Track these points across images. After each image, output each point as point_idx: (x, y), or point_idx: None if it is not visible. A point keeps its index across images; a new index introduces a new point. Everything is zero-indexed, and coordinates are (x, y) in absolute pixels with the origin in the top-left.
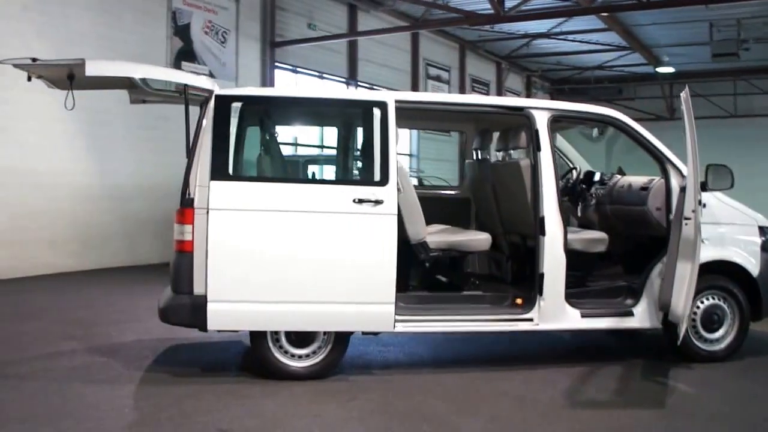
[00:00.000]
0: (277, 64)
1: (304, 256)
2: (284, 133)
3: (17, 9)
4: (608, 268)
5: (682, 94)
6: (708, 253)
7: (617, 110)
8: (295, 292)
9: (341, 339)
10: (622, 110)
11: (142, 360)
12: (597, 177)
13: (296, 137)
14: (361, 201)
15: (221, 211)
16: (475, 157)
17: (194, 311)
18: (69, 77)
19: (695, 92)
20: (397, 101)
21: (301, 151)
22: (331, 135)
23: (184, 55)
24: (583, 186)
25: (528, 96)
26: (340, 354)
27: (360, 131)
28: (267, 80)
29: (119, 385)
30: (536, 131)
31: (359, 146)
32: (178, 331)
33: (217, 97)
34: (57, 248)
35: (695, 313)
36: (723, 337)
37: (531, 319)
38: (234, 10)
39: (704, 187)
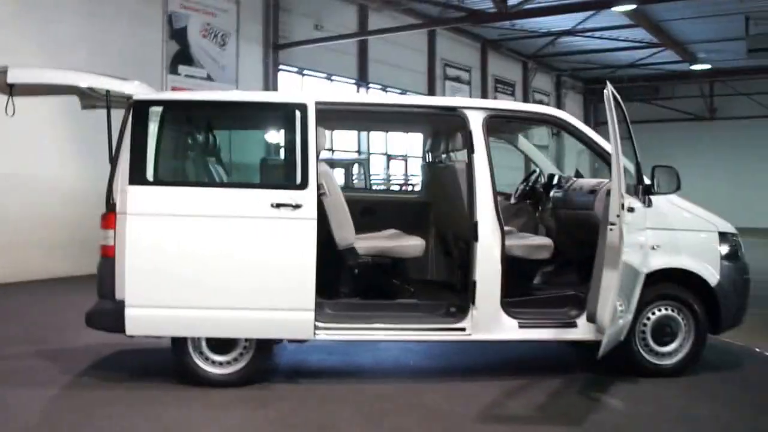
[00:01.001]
0: (281, 66)
1: (222, 261)
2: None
3: (6, 14)
4: (561, 276)
5: (605, 92)
6: (659, 260)
7: (653, 110)
8: (214, 298)
9: (264, 346)
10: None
11: (81, 364)
12: (556, 180)
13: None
14: (279, 205)
15: (139, 216)
16: (426, 161)
17: (115, 316)
18: (9, 84)
19: (736, 90)
20: (318, 103)
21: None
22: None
23: (181, 58)
24: (542, 189)
25: (558, 96)
26: (262, 361)
27: (281, 134)
28: (270, 83)
29: (44, 388)
30: (470, 132)
31: (281, 149)
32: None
33: (135, 102)
34: (52, 253)
35: (645, 325)
36: (676, 350)
37: (463, 329)
38: (234, 13)
39: (649, 190)
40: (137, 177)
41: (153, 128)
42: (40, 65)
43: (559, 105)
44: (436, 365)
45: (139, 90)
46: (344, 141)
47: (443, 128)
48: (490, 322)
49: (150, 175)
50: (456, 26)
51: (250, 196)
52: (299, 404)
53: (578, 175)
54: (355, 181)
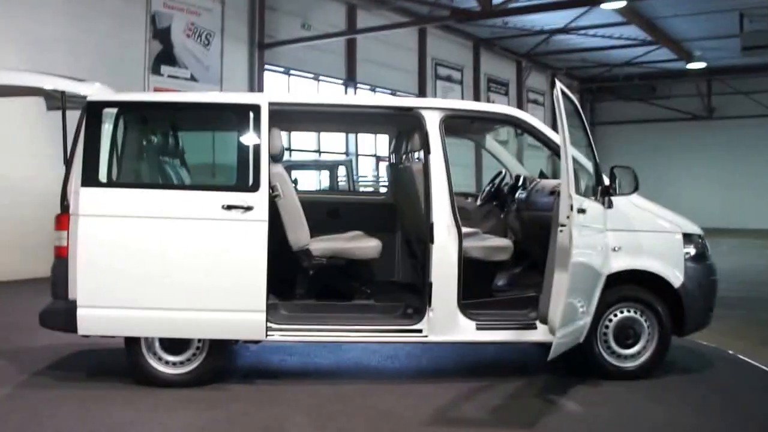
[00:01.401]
0: (267, 66)
1: (174, 262)
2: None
3: None
4: (524, 278)
5: (555, 90)
6: (621, 262)
7: (650, 109)
8: (165, 299)
9: (217, 347)
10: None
11: (39, 364)
12: (521, 181)
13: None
14: (230, 207)
15: (90, 217)
16: (390, 161)
17: (68, 316)
18: None
19: (734, 89)
20: (272, 104)
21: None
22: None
23: (164, 58)
24: (507, 191)
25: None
26: (216, 362)
27: (235, 135)
28: (255, 83)
29: None
30: (426, 133)
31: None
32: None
33: (89, 103)
34: (25, 254)
35: (607, 327)
36: (640, 353)
37: (420, 331)
38: (219, 12)
39: (608, 191)
40: (89, 178)
41: (107, 130)
42: (20, 65)
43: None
44: (396, 366)
45: (95, 91)
46: (332, 142)
47: (405, 129)
48: (446, 323)
49: (102, 176)
50: (447, 25)
51: (202, 197)
52: (250, 405)
53: (542, 175)
54: (341, 183)
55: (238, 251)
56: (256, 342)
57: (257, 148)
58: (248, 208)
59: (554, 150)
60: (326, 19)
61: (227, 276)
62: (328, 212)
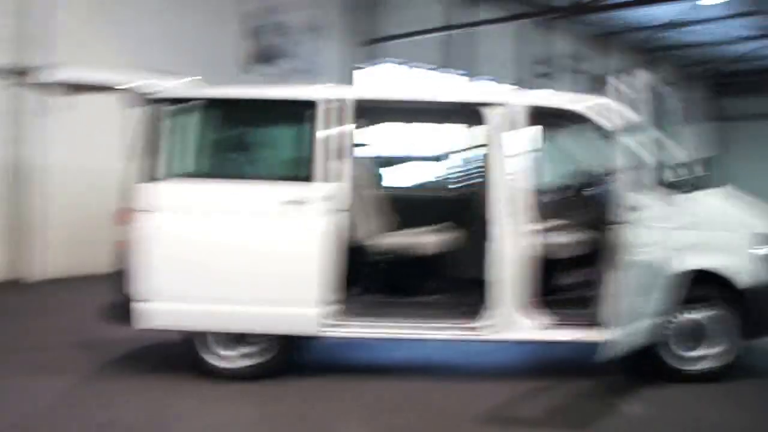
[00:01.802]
0: (366, 61)
1: (234, 256)
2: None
3: (82, 16)
4: (595, 276)
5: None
6: (690, 261)
7: None
8: (222, 293)
9: (279, 342)
10: None
11: (113, 355)
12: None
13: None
14: (290, 202)
15: (149, 213)
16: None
17: (129, 310)
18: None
19: None
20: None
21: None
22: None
23: (257, 57)
24: (582, 186)
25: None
26: (277, 357)
27: (302, 130)
28: (350, 78)
29: (65, 377)
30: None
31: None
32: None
33: (154, 99)
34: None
35: (672, 329)
36: (705, 356)
37: (479, 329)
38: (314, 9)
39: (675, 186)
40: (150, 174)
41: (170, 125)
42: (119, 62)
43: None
44: (463, 364)
45: (166, 87)
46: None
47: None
48: (507, 321)
49: (162, 171)
50: (548, 21)
51: (263, 191)
52: (307, 400)
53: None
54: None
55: (294, 245)
56: (316, 337)
57: (325, 142)
58: (308, 202)
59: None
60: (427, 15)
61: (290, 270)
62: (411, 207)
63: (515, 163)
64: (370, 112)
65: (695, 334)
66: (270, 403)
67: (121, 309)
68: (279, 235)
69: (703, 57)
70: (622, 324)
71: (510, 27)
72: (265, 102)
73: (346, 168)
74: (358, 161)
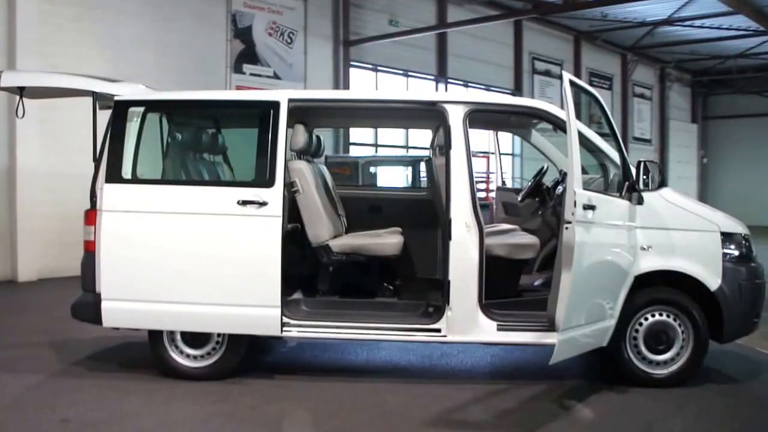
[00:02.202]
0: (353, 63)
1: (191, 257)
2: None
3: (69, 17)
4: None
5: (563, 81)
6: (651, 262)
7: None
8: (184, 293)
9: (236, 341)
10: None
11: (82, 354)
12: (561, 176)
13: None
14: (245, 203)
15: (113, 213)
16: (430, 157)
17: (94, 308)
18: (19, 88)
19: None
20: (291, 100)
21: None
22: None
23: (246, 57)
24: (549, 186)
25: (662, 89)
26: (236, 356)
27: (254, 132)
28: (340, 80)
29: (32, 375)
30: (449, 127)
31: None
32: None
33: (116, 102)
34: None
35: (637, 331)
36: (673, 359)
37: (438, 330)
38: (302, 10)
39: (633, 186)
40: (113, 175)
41: (132, 128)
42: (102, 66)
43: (662, 98)
44: (423, 365)
45: (126, 91)
46: (422, 137)
47: (437, 124)
48: (465, 323)
49: (125, 173)
50: (545, 18)
51: (219, 193)
52: (260, 400)
53: (584, 171)
54: (423, 180)
55: (253, 246)
56: (276, 338)
57: (274, 145)
58: (263, 204)
59: (584, 144)
60: (415, 15)
61: (242, 271)
62: (370, 208)
63: (470, 164)
64: (316, 114)
65: (662, 337)
66: (221, 402)
67: (89, 308)
68: (237, 238)
69: (693, 54)
70: (569, 326)
71: (503, 26)
72: (214, 105)
73: (296, 169)
74: (325, 162)
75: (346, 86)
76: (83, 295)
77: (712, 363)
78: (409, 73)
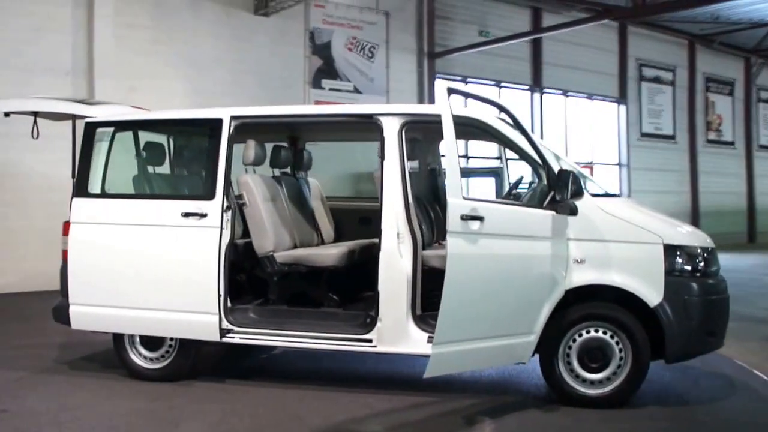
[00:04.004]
0: (439, 75)
1: (142, 265)
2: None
3: (146, 42)
4: None
5: (438, 92)
6: (584, 275)
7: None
8: (139, 299)
9: (187, 346)
10: None
11: (71, 355)
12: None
13: None
14: (188, 215)
15: (79, 224)
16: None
17: (67, 312)
18: (33, 112)
19: None
20: (234, 117)
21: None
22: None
23: (325, 72)
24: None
25: None
26: (187, 360)
27: (201, 148)
28: (424, 92)
29: (17, 372)
30: (383, 139)
31: (196, 162)
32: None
33: (86, 124)
34: None
35: (570, 348)
36: (609, 378)
37: (370, 341)
38: (383, 24)
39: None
40: (81, 189)
41: (100, 147)
42: (181, 86)
43: None
44: (372, 374)
45: (104, 113)
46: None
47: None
48: (396, 334)
49: (91, 188)
50: (653, 22)
51: (167, 206)
52: (192, 401)
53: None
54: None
55: (194, 256)
56: (215, 343)
57: (215, 159)
58: (203, 215)
59: (524, 156)
60: (507, 25)
61: (185, 279)
62: (360, 219)
63: (405, 175)
64: (264, 130)
65: (597, 355)
66: (154, 401)
67: (63, 312)
68: (180, 247)
69: None
70: (446, 340)
71: (605, 32)
72: (169, 124)
73: (243, 182)
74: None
75: (431, 98)
76: (60, 300)
77: (679, 382)
78: (502, 84)
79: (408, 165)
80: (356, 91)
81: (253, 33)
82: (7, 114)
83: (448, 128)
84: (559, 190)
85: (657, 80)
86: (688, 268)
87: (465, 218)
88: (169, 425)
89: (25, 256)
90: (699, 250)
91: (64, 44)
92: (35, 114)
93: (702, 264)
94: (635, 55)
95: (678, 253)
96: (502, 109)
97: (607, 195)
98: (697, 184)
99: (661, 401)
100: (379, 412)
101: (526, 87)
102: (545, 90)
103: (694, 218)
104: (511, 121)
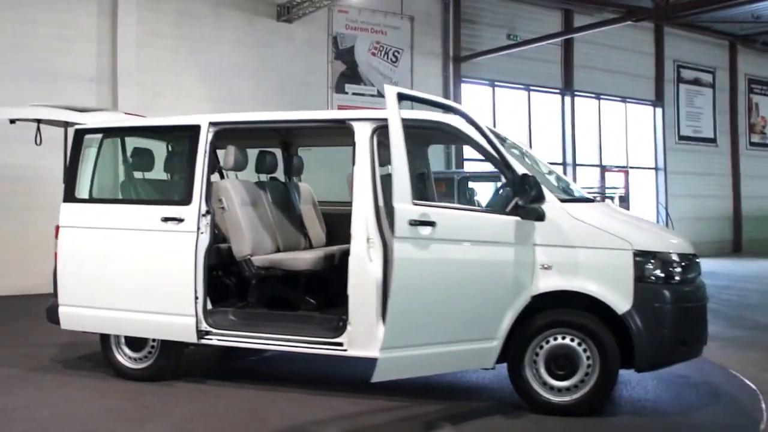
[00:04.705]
0: (465, 79)
1: (124, 268)
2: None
3: (168, 50)
4: None
5: (387, 95)
6: (550, 281)
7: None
8: (122, 301)
9: (168, 347)
10: None
11: (68, 355)
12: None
13: None
14: (166, 219)
15: (67, 228)
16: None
17: (57, 312)
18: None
19: None
20: (213, 123)
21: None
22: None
23: (348, 77)
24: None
25: None
26: (169, 360)
27: (180, 154)
28: (450, 96)
29: (11, 369)
30: (354, 144)
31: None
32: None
33: (75, 131)
34: None
35: (537, 354)
36: (577, 386)
37: (341, 344)
38: (408, 29)
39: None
40: (69, 194)
41: (88, 153)
42: (204, 92)
43: None
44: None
45: (89, 120)
46: (549, 150)
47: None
48: (366, 338)
49: (78, 193)
50: (692, 23)
51: (148, 211)
52: (158, 400)
53: None
54: None
55: (172, 259)
56: (193, 344)
57: (192, 165)
58: (180, 220)
59: (492, 160)
60: (537, 27)
61: (164, 282)
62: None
63: (375, 180)
64: (242, 136)
65: (563, 362)
66: (125, 400)
67: (54, 312)
68: (160, 251)
69: None
70: (395, 345)
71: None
72: (150, 130)
73: (222, 187)
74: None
75: (457, 102)
76: (53, 300)
77: (663, 392)
78: (531, 88)
79: (378, 170)
80: (380, 95)
81: (276, 39)
82: (12, 121)
83: (395, 133)
84: (520, 195)
85: (696, 82)
86: (661, 274)
87: (414, 223)
88: (135, 423)
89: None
90: (674, 257)
91: (90, 53)
92: (38, 121)
93: (678, 271)
94: (672, 57)
95: (649, 259)
96: (459, 113)
97: (579, 200)
98: (740, 188)
99: (637, 411)
100: (343, 415)
101: (557, 90)
102: (577, 93)
103: (736, 223)
104: (471, 126)
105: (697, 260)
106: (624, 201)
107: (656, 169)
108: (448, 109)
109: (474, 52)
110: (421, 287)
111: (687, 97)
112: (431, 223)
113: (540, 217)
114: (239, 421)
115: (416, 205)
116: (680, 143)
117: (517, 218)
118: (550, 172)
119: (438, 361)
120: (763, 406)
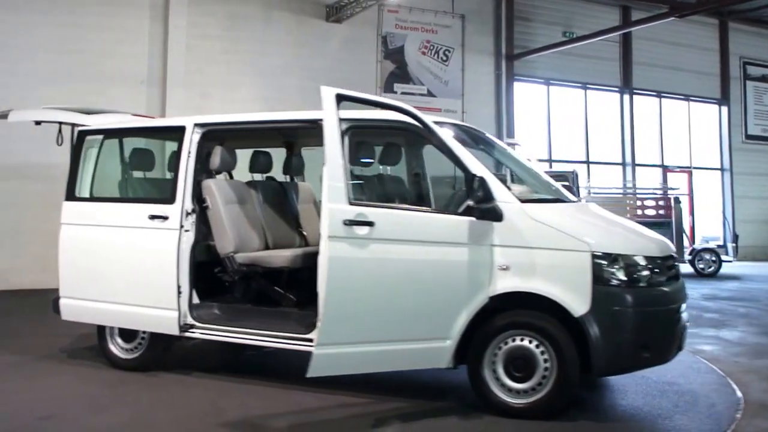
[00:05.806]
0: (519, 77)
1: (116, 263)
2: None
3: (217, 52)
4: None
5: (325, 99)
6: (507, 282)
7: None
8: (114, 294)
9: (156, 339)
10: None
11: (76, 345)
12: None
13: None
14: (153, 217)
15: (67, 225)
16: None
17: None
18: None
19: None
20: (198, 125)
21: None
22: None
23: (397, 77)
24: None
25: None
26: (157, 351)
27: (169, 153)
28: (502, 94)
29: (20, 356)
30: (325, 144)
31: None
32: None
33: (78, 132)
34: None
35: (495, 356)
36: (534, 389)
37: (311, 340)
38: (459, 28)
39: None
40: (70, 193)
41: (89, 153)
42: (252, 92)
43: None
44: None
45: (91, 122)
46: (607, 150)
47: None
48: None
49: (79, 192)
50: (760, 18)
51: (137, 209)
52: (133, 389)
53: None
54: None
55: (157, 255)
56: (178, 337)
57: (177, 164)
58: (165, 218)
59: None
60: (594, 25)
61: (149, 276)
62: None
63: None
64: (229, 136)
65: (520, 364)
66: (105, 387)
67: (57, 303)
68: (146, 248)
69: None
70: (329, 342)
71: (703, 29)
72: (144, 131)
73: (206, 186)
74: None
75: (509, 101)
76: (57, 292)
77: (640, 398)
78: (588, 86)
79: (349, 168)
80: (430, 94)
81: (325, 40)
82: (38, 123)
83: (329, 133)
84: (469, 196)
85: (764, 79)
86: (623, 277)
87: (349, 223)
88: (99, 409)
89: None
90: (639, 259)
91: (141, 55)
92: (59, 123)
93: (643, 274)
94: (738, 53)
95: (610, 261)
96: (404, 112)
97: (547, 201)
98: None
99: (599, 416)
100: (302, 410)
101: (615, 89)
102: (636, 91)
103: None
104: (419, 124)
105: (672, 263)
106: (678, 203)
107: (722, 169)
108: (392, 108)
109: (527, 49)
110: (359, 286)
111: (755, 95)
112: (369, 223)
113: (497, 217)
114: (199, 410)
115: (353, 204)
116: (747, 142)
117: (472, 219)
118: (535, 174)
119: (382, 358)
120: (738, 416)
